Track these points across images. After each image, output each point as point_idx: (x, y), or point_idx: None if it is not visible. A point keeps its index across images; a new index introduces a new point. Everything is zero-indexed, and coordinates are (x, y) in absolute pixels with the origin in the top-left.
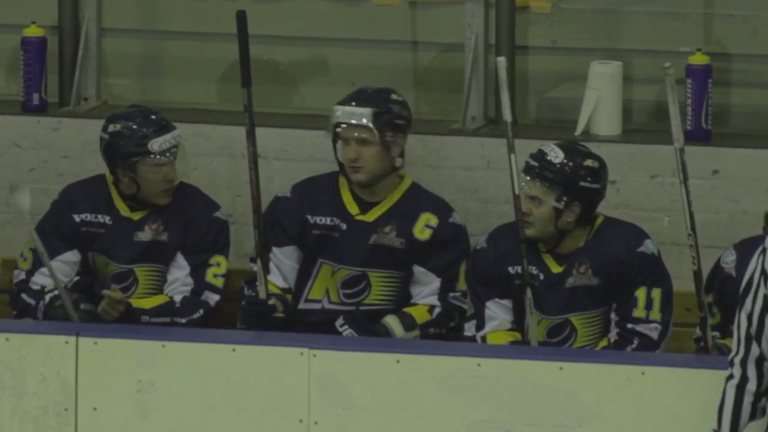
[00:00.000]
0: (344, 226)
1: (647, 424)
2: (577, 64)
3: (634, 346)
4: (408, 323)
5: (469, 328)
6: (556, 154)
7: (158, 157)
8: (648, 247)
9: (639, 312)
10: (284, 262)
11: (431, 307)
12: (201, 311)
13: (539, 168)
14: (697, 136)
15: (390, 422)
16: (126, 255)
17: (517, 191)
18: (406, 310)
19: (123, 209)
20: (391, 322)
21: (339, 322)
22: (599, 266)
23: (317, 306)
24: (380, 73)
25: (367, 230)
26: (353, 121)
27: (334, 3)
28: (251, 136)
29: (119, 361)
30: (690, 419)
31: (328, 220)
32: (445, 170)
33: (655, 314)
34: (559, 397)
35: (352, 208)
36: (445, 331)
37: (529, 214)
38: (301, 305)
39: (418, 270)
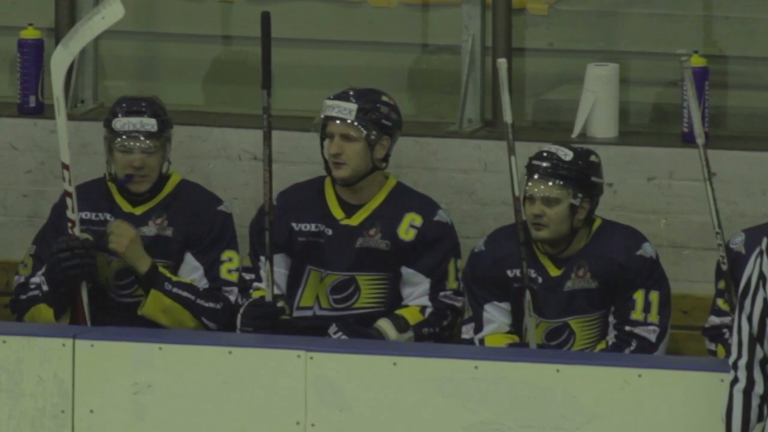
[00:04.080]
0: (329, 232)
1: (644, 426)
2: (574, 66)
3: (632, 348)
4: (401, 325)
5: (467, 331)
6: (565, 153)
7: (122, 137)
8: (646, 250)
9: (637, 314)
10: (274, 270)
11: (423, 308)
12: (221, 303)
13: (552, 167)
14: (693, 138)
15: (387, 424)
16: None
17: (517, 193)
18: (398, 312)
19: (124, 205)
20: (384, 325)
21: (332, 329)
22: (598, 270)
23: (309, 313)
24: (377, 75)
25: (352, 234)
26: (339, 116)
27: (331, 5)
28: (268, 138)
29: (116, 364)
30: (687, 422)
31: (312, 227)
32: (441, 172)
33: (653, 317)
34: (556, 400)
35: (337, 212)
36: (439, 330)
37: (542, 216)
38: (294, 313)
39: (407, 271)
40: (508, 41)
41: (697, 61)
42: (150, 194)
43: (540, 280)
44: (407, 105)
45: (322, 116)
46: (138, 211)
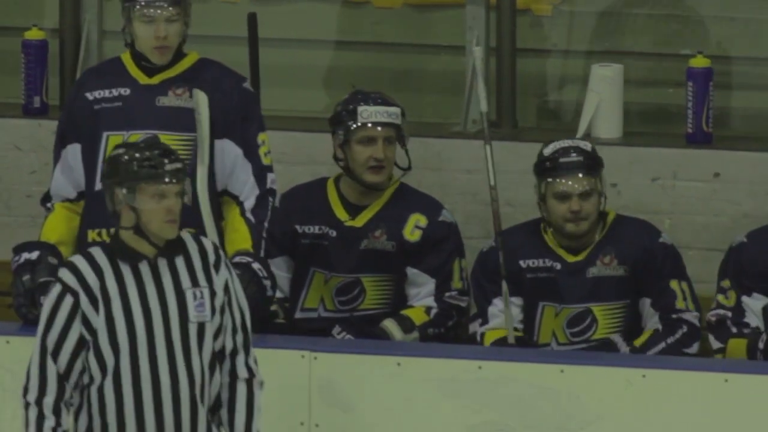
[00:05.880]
0: (334, 234)
1: (648, 426)
2: (578, 66)
3: (684, 331)
4: (406, 326)
5: (473, 326)
6: (585, 144)
7: (143, 5)
8: (665, 238)
9: (680, 303)
10: (276, 273)
11: (428, 309)
12: (268, 210)
13: (584, 160)
14: (698, 138)
15: (391, 425)
16: (147, 121)
17: (492, 183)
18: (404, 312)
19: (140, 77)
20: (390, 325)
21: (336, 330)
22: (626, 256)
23: (313, 315)
24: (381, 75)
25: (357, 236)
26: (389, 120)
27: (335, 5)
28: None
29: None
30: (691, 422)
31: (316, 229)
32: (446, 173)
33: (691, 304)
34: (560, 400)
35: (341, 214)
36: (444, 331)
37: (580, 211)
38: (297, 315)
39: (412, 272)
40: (512, 42)
41: (701, 62)
42: (166, 65)
43: (558, 266)
44: (411, 105)
45: (360, 124)
46: (156, 80)
